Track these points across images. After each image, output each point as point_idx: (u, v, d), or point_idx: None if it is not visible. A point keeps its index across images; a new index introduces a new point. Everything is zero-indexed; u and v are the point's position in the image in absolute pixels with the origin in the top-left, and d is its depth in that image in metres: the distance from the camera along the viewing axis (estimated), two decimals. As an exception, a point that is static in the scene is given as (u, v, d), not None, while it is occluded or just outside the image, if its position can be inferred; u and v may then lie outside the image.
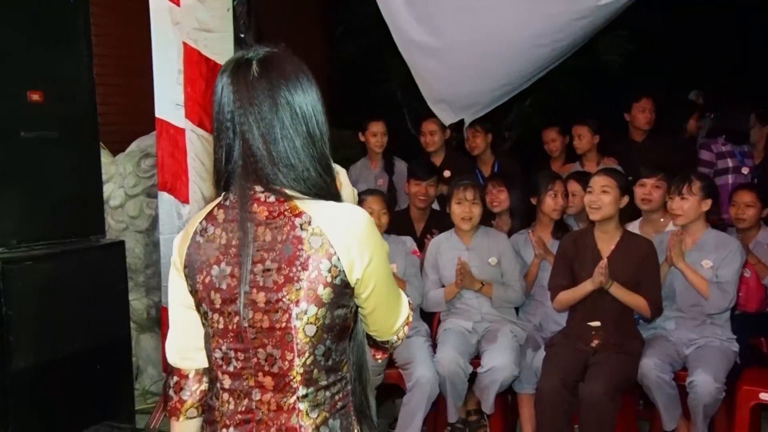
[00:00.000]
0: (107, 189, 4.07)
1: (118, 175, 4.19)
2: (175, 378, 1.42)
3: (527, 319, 3.68)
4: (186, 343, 1.40)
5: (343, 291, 1.26)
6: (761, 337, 3.63)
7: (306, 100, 1.28)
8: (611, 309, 3.21)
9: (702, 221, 3.32)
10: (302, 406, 1.29)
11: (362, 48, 6.92)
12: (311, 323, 1.26)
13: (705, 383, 3.00)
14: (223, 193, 1.32)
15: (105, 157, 4.04)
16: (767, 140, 4.86)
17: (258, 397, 1.29)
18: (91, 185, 3.29)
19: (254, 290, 1.26)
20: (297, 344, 1.26)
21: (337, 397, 1.32)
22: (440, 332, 3.55)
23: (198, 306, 1.34)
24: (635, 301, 3.17)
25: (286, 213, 1.26)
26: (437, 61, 3.99)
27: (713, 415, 3.08)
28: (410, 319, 1.43)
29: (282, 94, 1.26)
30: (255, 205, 1.27)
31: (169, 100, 3.80)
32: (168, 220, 3.87)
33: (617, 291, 3.15)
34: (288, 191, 1.27)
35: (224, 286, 1.28)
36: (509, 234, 3.83)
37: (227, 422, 1.32)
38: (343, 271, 1.25)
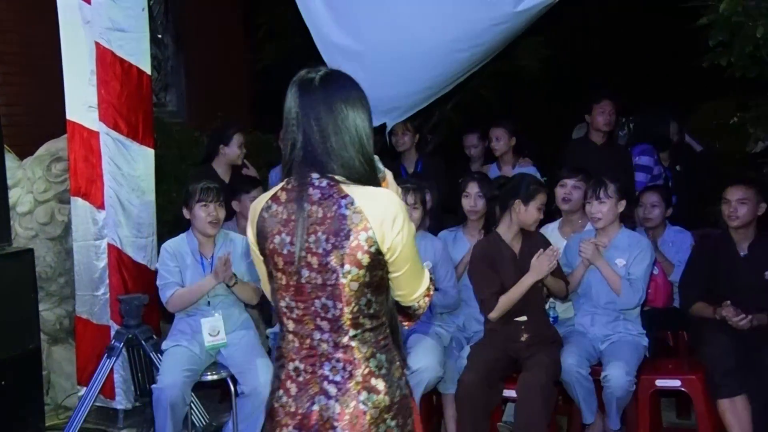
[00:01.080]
0: (14, 194, 3.89)
1: (26, 180, 4.01)
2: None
3: (450, 320, 3.73)
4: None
5: (377, 257, 1.62)
6: (668, 330, 3.82)
7: (355, 106, 1.65)
8: (535, 302, 3.32)
9: (617, 221, 3.47)
10: (353, 343, 1.65)
11: (285, 50, 6.87)
12: (354, 281, 1.62)
13: (618, 377, 3.13)
14: (286, 179, 1.68)
15: (11, 161, 3.87)
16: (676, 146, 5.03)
17: (318, 337, 1.66)
18: (-6, 191, 3.15)
19: (308, 255, 1.62)
20: (345, 296, 1.62)
21: (380, 337, 1.69)
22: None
23: (267, 267, 1.72)
24: (557, 284, 3.33)
25: (334, 195, 1.62)
26: (358, 65, 3.98)
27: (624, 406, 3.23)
28: (431, 291, 1.78)
29: (337, 100, 1.64)
30: (310, 189, 1.63)
31: (81, 101, 3.67)
32: (82, 226, 3.74)
33: (550, 278, 3.28)
34: (337, 177, 1.63)
35: (285, 252, 1.65)
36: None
37: (293, 356, 1.69)
38: (377, 241, 1.61)
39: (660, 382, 3.28)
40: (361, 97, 1.68)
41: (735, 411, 3.11)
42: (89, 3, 3.58)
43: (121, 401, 3.74)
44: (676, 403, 3.81)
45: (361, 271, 1.62)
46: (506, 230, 3.35)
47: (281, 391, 1.70)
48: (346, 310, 1.64)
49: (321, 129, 1.63)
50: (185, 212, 3.43)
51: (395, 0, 3.80)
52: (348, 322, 1.65)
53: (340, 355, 1.65)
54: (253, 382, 3.25)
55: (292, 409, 1.68)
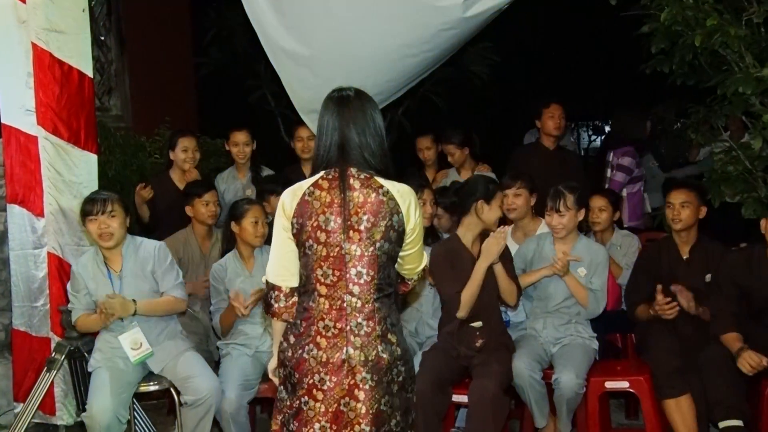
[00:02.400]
0: (-55, 202, 3.74)
1: (-41, 187, 3.85)
2: (276, 292, 2.19)
3: (403, 324, 3.73)
4: (283, 270, 2.18)
5: (401, 236, 2.13)
6: (616, 333, 3.90)
7: (379, 116, 2.20)
8: (490, 307, 3.34)
9: (575, 230, 3.52)
10: (376, 305, 2.13)
11: (232, 54, 6.79)
12: (385, 253, 2.11)
13: (568, 380, 3.18)
14: (325, 171, 2.13)
15: (-58, 167, 3.72)
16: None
17: (348, 299, 2.10)
18: None
19: (351, 231, 2.09)
20: (377, 265, 2.10)
21: (392, 301, 2.19)
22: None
23: (304, 242, 2.11)
24: (510, 284, 3.32)
25: (372, 185, 2.11)
26: (307, 70, 3.94)
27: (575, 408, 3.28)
28: (427, 267, 2.34)
29: (369, 110, 2.17)
30: (351, 179, 2.11)
31: (17, 105, 3.56)
32: (20, 234, 3.61)
33: (500, 269, 3.28)
34: (371, 171, 2.12)
35: (329, 228, 2.09)
36: None
37: (324, 316, 2.11)
38: (404, 222, 2.12)
39: (609, 384, 3.33)
40: (377, 106, 2.24)
41: (680, 411, 3.18)
42: (24, 2, 3.47)
43: (62, 416, 3.62)
44: (625, 404, 3.90)
45: (390, 246, 2.11)
46: (465, 232, 3.37)
47: (311, 345, 2.11)
48: (377, 277, 2.11)
49: (357, 130, 2.14)
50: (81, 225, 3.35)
51: (344, 4, 3.77)
52: (374, 287, 2.11)
53: (365, 314, 2.11)
54: (197, 391, 3.19)
55: (324, 359, 2.10)
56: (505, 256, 3.35)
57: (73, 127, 3.59)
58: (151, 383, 3.35)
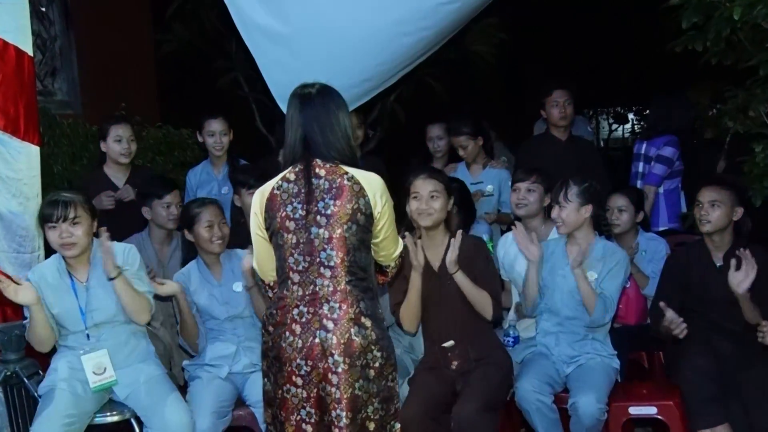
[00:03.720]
0: None
1: None
2: (265, 286, 2.65)
3: (396, 339, 3.75)
4: (264, 265, 2.61)
5: (369, 219, 2.48)
6: (641, 350, 3.89)
7: (343, 113, 2.54)
8: (461, 324, 3.36)
9: (587, 229, 3.51)
10: (348, 287, 2.46)
11: (199, 30, 6.74)
12: (353, 235, 2.46)
13: (587, 405, 3.17)
14: (292, 165, 2.51)
15: None
16: None
17: (320, 283, 2.45)
18: None
19: (318, 216, 2.45)
20: (345, 247, 2.45)
21: (367, 286, 2.52)
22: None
23: (275, 233, 2.49)
24: (479, 294, 3.32)
25: (337, 172, 2.47)
26: (286, 50, 3.88)
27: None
28: (402, 254, 2.69)
29: (332, 108, 2.52)
30: (317, 168, 2.47)
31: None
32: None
33: (462, 278, 3.29)
34: (335, 161, 2.48)
35: (297, 216, 2.46)
36: None
37: (297, 303, 2.47)
38: (371, 206, 2.47)
39: (633, 410, 3.33)
40: (344, 103, 2.57)
41: (717, 442, 3.17)
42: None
43: (-2, 452, 3.57)
44: (652, 432, 3.89)
45: (359, 228, 2.45)
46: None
47: (287, 333, 2.46)
48: (345, 258, 2.45)
49: (320, 127, 2.49)
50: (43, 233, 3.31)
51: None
52: (345, 270, 2.45)
53: (337, 297, 2.45)
54: (162, 422, 3.16)
55: (299, 345, 2.44)
56: (480, 260, 3.37)
57: (10, 114, 3.54)
58: (111, 413, 3.31)
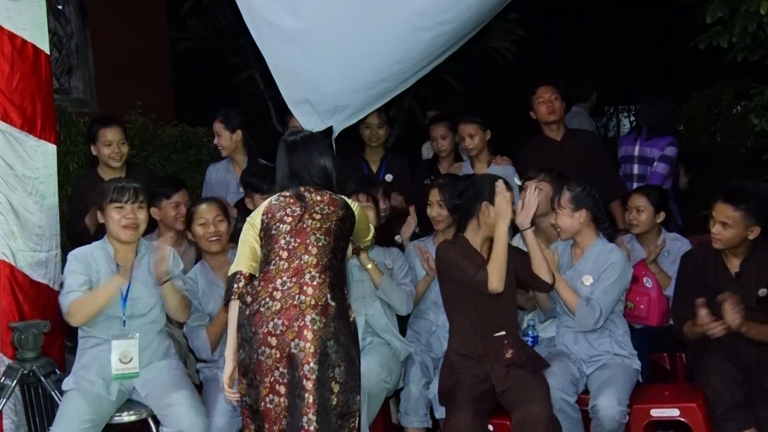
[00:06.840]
0: None
1: None
2: (240, 277, 2.89)
3: (414, 337, 3.82)
4: (248, 261, 2.92)
5: (351, 219, 2.98)
6: (663, 352, 3.87)
7: (326, 157, 3.03)
8: (510, 314, 3.36)
9: (589, 231, 3.48)
10: (329, 263, 2.87)
11: (214, 28, 6.77)
12: (339, 229, 2.93)
13: (608, 407, 3.16)
14: (283, 190, 2.97)
15: None
16: None
17: (305, 258, 2.84)
18: None
19: (314, 213, 2.90)
20: (333, 234, 2.90)
21: (341, 270, 2.96)
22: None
23: (270, 228, 2.90)
24: (541, 258, 3.34)
25: (322, 191, 2.95)
26: (299, 49, 3.83)
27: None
28: (373, 237, 3.28)
29: (314, 154, 3.01)
30: (305, 192, 2.94)
31: (-40, 87, 3.56)
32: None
33: (532, 238, 3.37)
34: (317, 186, 2.98)
35: (295, 214, 2.89)
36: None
37: (282, 274, 2.82)
38: (352, 209, 2.99)
39: (655, 412, 3.32)
40: (328, 147, 3.18)
41: (743, 448, 3.15)
42: (-34, -34, 3.47)
43: (13, 454, 3.60)
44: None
45: (344, 227, 2.95)
46: (474, 235, 3.38)
47: (267, 299, 2.78)
48: (332, 242, 2.88)
49: (303, 170, 2.98)
50: (99, 216, 3.37)
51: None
52: (329, 250, 2.87)
53: (319, 268, 2.83)
54: (179, 421, 3.19)
55: (277, 308, 2.76)
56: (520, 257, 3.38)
57: (27, 112, 3.58)
58: (128, 413, 3.33)
